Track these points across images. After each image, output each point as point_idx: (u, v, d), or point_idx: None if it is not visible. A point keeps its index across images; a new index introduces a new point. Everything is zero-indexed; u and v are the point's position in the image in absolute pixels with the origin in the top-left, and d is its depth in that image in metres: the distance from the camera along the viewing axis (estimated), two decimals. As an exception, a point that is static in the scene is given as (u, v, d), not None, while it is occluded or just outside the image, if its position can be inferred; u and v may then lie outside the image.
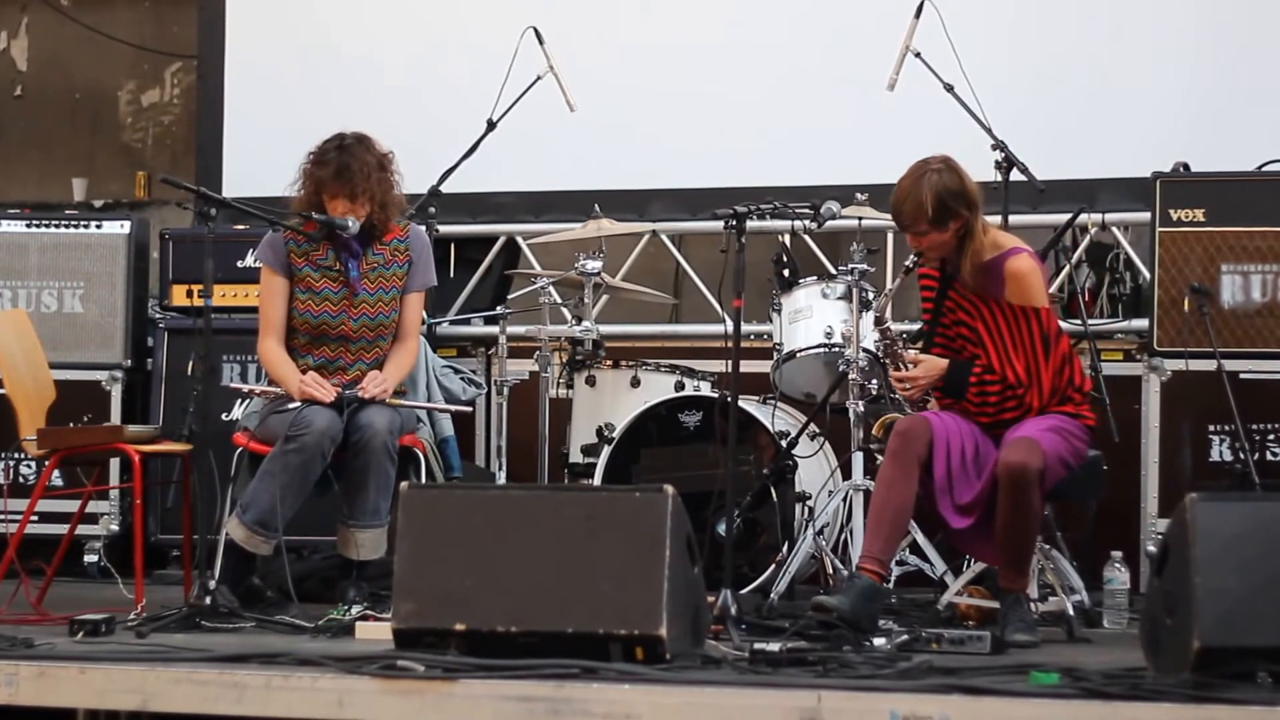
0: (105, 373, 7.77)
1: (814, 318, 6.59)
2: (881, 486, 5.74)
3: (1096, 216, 7.59)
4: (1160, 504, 6.89)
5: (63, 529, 6.79)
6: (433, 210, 7.72)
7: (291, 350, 6.32)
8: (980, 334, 5.81)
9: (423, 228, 6.80)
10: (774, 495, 6.57)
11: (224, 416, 7.42)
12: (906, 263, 5.97)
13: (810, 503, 6.54)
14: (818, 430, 6.72)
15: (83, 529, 7.20)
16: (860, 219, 6.82)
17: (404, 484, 5.28)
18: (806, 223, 6.85)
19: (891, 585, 6.06)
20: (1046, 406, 5.75)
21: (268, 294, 6.35)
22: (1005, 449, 5.66)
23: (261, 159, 7.96)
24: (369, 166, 6.24)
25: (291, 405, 6.16)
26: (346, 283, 6.31)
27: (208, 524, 6.04)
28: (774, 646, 5.04)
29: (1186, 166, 7.20)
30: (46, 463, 6.55)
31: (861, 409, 6.36)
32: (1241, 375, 6.84)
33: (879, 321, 6.05)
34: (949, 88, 7.14)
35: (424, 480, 6.34)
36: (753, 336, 7.18)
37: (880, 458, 5.90)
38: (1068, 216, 7.27)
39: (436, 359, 7.19)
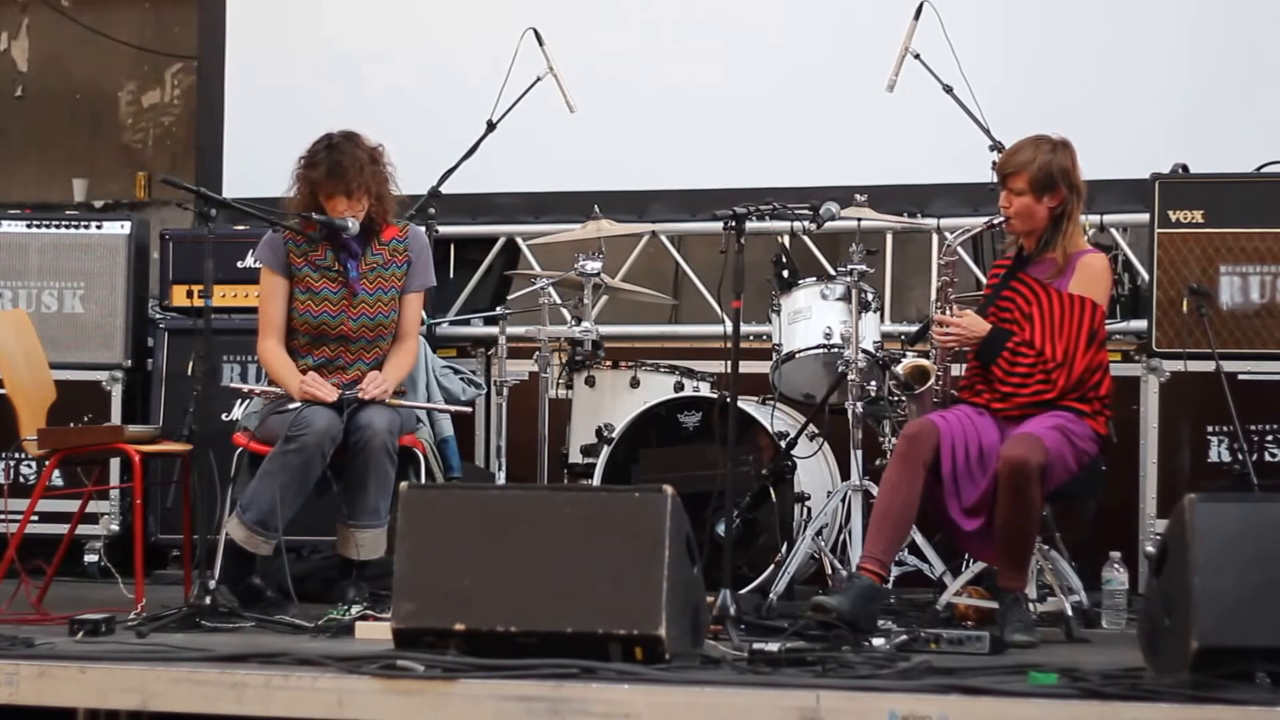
0: (105, 373, 7.78)
1: (813, 318, 6.59)
2: (886, 488, 5.76)
3: (1095, 218, 7.58)
4: (1159, 504, 6.89)
5: (63, 529, 6.80)
6: (433, 211, 7.73)
7: (292, 350, 6.33)
8: (1034, 317, 5.86)
9: (422, 228, 6.81)
10: (773, 495, 6.58)
11: (224, 416, 7.43)
12: (993, 218, 6.02)
13: (809, 503, 6.55)
14: (817, 431, 6.72)
15: (83, 529, 7.20)
16: (860, 220, 6.82)
17: (404, 484, 5.29)
18: (806, 223, 6.85)
19: (890, 585, 6.07)
20: (1067, 392, 5.77)
21: (267, 294, 6.36)
22: (1006, 444, 5.69)
23: (261, 159, 7.95)
24: (360, 161, 6.25)
25: (291, 405, 6.17)
26: (346, 283, 6.32)
27: (208, 524, 6.05)
28: (773, 646, 5.05)
29: (1185, 167, 7.20)
30: (47, 463, 6.54)
31: (860, 409, 6.37)
32: (1240, 376, 6.84)
33: (948, 252, 6.07)
34: (948, 89, 7.15)
35: (424, 480, 6.35)
36: (752, 337, 7.18)
37: (903, 396, 5.93)
38: (1067, 217, 7.28)
39: (436, 359, 7.20)
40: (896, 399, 6.31)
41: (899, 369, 6.18)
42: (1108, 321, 7.46)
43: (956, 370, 6.09)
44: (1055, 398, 5.79)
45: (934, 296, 6.09)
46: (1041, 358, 5.80)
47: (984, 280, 6.83)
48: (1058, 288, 5.87)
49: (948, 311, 5.97)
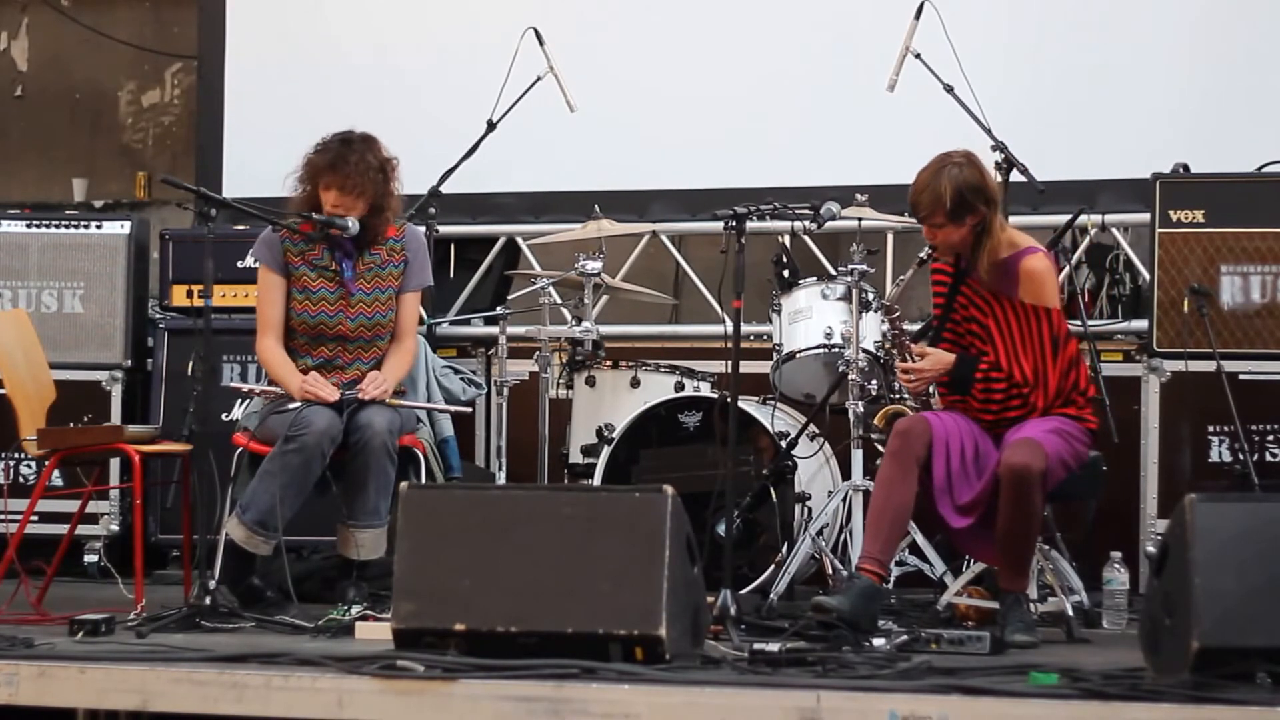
0: (105, 373, 7.78)
1: (814, 318, 6.60)
2: (881, 487, 5.75)
3: (1096, 217, 7.60)
4: (1159, 504, 6.90)
5: (63, 529, 6.79)
6: (433, 211, 7.73)
7: (291, 350, 6.33)
8: (991, 331, 5.81)
9: (420, 228, 6.81)
10: (773, 495, 6.58)
11: (224, 416, 7.42)
12: (921, 254, 5.98)
13: (809, 503, 6.55)
14: (817, 430, 6.72)
15: (83, 529, 7.20)
16: (860, 220, 6.82)
17: (404, 484, 5.28)
18: (806, 223, 6.85)
19: (891, 585, 6.06)
20: (1050, 407, 5.76)
21: (265, 293, 6.36)
22: (1008, 450, 5.66)
23: (261, 159, 7.95)
24: (368, 165, 6.24)
25: (291, 405, 6.16)
26: (342, 283, 6.31)
27: (208, 524, 6.04)
28: (773, 647, 5.05)
29: (1186, 167, 7.20)
30: (46, 463, 6.54)
31: (861, 409, 6.36)
32: (1241, 376, 6.84)
33: (889, 310, 6.05)
34: (949, 89, 7.14)
35: (424, 480, 6.35)
36: (752, 337, 7.17)
37: (882, 448, 5.91)
38: (1067, 217, 7.28)
39: (436, 359, 7.20)
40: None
41: (877, 422, 6.16)
42: (1108, 321, 7.54)
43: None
44: (1040, 416, 5.77)
45: (888, 345, 6.06)
46: (1014, 382, 5.75)
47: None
48: (1008, 295, 5.80)
49: (908, 358, 5.93)
